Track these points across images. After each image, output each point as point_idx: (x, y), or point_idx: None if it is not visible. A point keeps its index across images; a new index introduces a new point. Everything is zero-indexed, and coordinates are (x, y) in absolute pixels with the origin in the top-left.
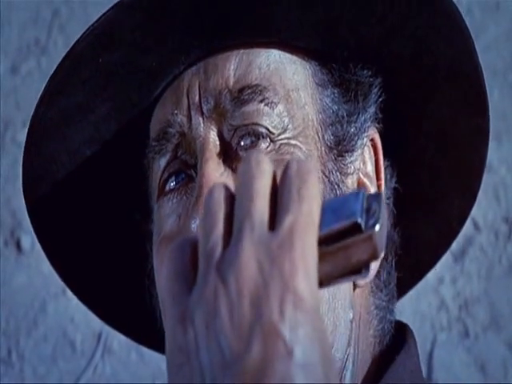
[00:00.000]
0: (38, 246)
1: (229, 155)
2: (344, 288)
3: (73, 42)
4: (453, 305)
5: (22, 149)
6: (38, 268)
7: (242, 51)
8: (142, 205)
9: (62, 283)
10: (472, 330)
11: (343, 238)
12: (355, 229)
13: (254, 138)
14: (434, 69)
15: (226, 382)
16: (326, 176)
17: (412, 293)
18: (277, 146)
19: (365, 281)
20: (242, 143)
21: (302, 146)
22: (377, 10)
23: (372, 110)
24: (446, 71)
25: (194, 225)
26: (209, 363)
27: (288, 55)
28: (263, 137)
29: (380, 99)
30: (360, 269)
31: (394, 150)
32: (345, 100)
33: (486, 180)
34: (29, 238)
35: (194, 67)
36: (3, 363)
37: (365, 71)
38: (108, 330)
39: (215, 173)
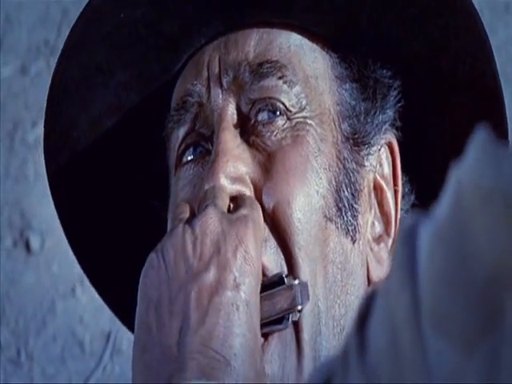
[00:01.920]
0: (47, 246)
1: (246, 129)
2: (357, 277)
3: None
4: None
5: (32, 149)
6: (46, 268)
7: (262, 30)
8: (161, 191)
9: (70, 283)
10: None
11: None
12: (280, 282)
13: (271, 114)
14: (452, 76)
15: (188, 291)
16: (340, 162)
17: None
18: (293, 124)
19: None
20: (260, 118)
21: (317, 127)
22: (397, 2)
23: (390, 113)
24: (464, 78)
25: (208, 187)
26: (173, 275)
27: (309, 42)
28: (281, 113)
29: (399, 104)
30: (282, 318)
31: (413, 165)
32: (363, 97)
33: None
34: (38, 239)
35: (215, 42)
36: (12, 363)
37: (384, 71)
38: (117, 329)
39: (232, 142)
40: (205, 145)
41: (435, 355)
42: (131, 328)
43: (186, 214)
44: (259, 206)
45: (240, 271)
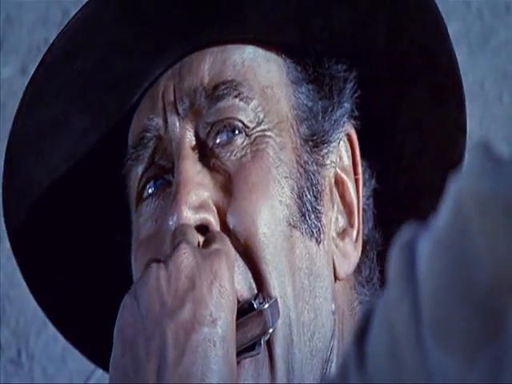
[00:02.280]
0: None
1: (205, 154)
2: (324, 278)
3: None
4: None
5: None
6: None
7: (216, 49)
8: (124, 226)
9: None
10: None
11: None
12: (250, 310)
13: (230, 134)
14: (407, 59)
15: (164, 329)
16: (301, 166)
17: None
18: (252, 139)
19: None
20: (218, 140)
21: (276, 138)
22: None
23: (348, 105)
24: (420, 61)
25: (172, 222)
26: (148, 314)
27: (262, 52)
28: (239, 131)
29: (356, 94)
30: (254, 345)
31: (373, 150)
32: (320, 96)
33: None
34: None
35: (169, 71)
36: (13, 363)
37: (339, 65)
38: None
39: (192, 170)
40: (165, 176)
41: (436, 365)
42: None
43: (157, 256)
44: (228, 239)
45: (216, 306)
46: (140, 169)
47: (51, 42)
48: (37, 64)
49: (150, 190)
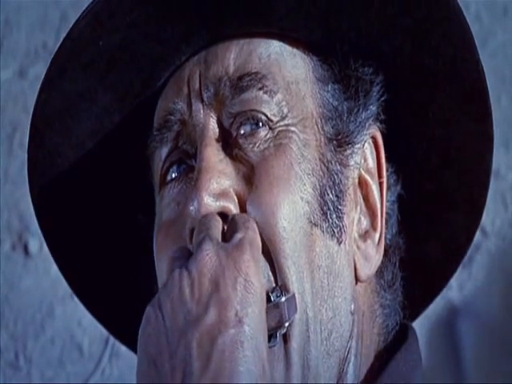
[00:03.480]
0: (45, 249)
1: (228, 142)
2: (344, 278)
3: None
4: None
5: None
6: (45, 271)
7: (242, 41)
8: (146, 206)
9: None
10: None
11: None
12: (267, 302)
13: (253, 126)
14: (434, 67)
15: (188, 341)
16: (324, 165)
17: None
18: (275, 133)
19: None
20: (242, 131)
21: (299, 134)
22: (376, 1)
23: (374, 108)
24: (447, 70)
25: (192, 207)
26: (172, 326)
27: (289, 48)
28: (263, 124)
29: (382, 98)
30: (270, 337)
31: (399, 156)
32: (346, 97)
33: (494, 186)
34: (36, 242)
35: (196, 57)
36: (11, 366)
37: (365, 68)
38: None
39: (215, 158)
40: (188, 162)
41: None
42: (124, 342)
43: (180, 256)
44: (253, 221)
45: (241, 303)
46: (164, 151)
47: (49, 43)
48: (35, 67)
49: (173, 175)
